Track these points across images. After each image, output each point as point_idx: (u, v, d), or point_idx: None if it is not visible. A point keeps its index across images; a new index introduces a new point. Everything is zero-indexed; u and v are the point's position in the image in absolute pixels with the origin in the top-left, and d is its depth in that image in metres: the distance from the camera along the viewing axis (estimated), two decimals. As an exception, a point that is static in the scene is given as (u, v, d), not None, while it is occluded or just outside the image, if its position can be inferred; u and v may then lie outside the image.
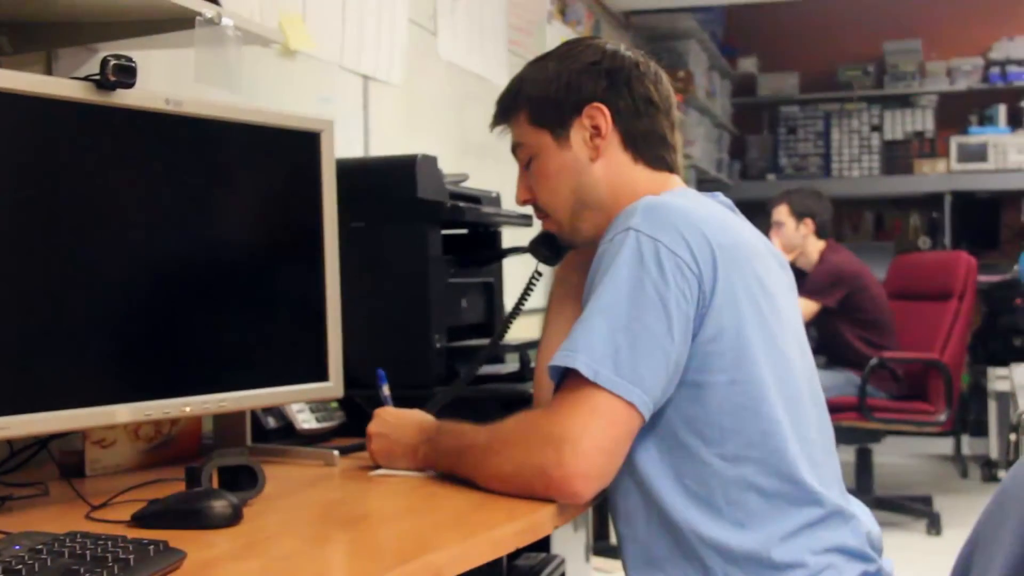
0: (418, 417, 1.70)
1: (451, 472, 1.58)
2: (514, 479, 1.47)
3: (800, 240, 5.12)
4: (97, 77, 1.46)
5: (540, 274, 1.84)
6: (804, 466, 1.50)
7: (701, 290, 1.47)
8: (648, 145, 1.66)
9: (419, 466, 1.64)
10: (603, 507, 3.20)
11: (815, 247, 5.13)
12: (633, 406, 1.42)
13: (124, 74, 1.47)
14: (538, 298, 1.90)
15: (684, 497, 1.49)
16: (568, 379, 1.46)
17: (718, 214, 1.59)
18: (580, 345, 1.44)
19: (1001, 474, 5.66)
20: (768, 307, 1.54)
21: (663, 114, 1.67)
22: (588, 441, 1.41)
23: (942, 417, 4.74)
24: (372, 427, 1.71)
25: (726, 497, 1.47)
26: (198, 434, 1.90)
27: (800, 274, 4.78)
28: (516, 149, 1.72)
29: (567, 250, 1.77)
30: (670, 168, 1.69)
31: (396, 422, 1.70)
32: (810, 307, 4.89)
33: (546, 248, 1.78)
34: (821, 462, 1.56)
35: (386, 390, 1.81)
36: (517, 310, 1.85)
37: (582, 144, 1.65)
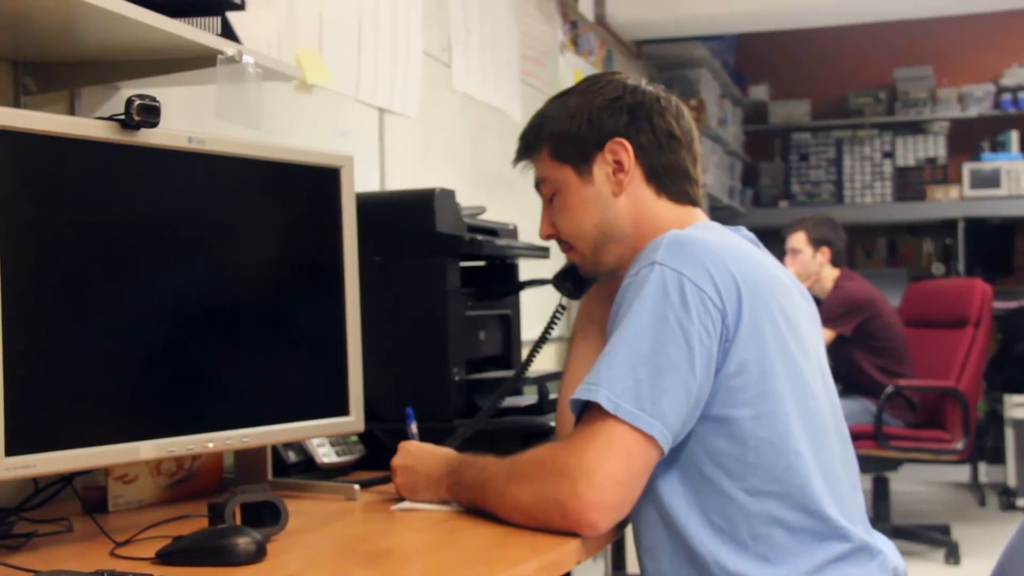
0: (442, 451, 1.70)
1: (474, 505, 1.58)
2: (532, 511, 1.47)
3: (816, 268, 5.13)
4: (122, 117, 1.47)
5: (564, 307, 1.84)
6: (829, 501, 1.50)
7: (725, 324, 1.47)
8: (671, 179, 1.67)
9: (443, 499, 1.64)
10: (621, 539, 3.20)
11: (830, 275, 5.15)
12: (652, 439, 1.42)
13: (148, 114, 1.49)
14: (557, 329, 1.90)
15: (709, 531, 1.48)
16: (588, 412, 1.46)
17: (743, 248, 1.59)
18: (602, 378, 1.44)
19: (1020, 502, 5.63)
20: (793, 341, 1.54)
21: (685, 148, 1.69)
22: (603, 473, 1.41)
23: (959, 445, 4.72)
24: (397, 460, 1.72)
25: (751, 531, 1.47)
26: (219, 469, 1.90)
27: (814, 302, 4.78)
28: (539, 184, 1.72)
29: (590, 284, 1.77)
30: (693, 202, 1.70)
31: (420, 455, 1.70)
32: (825, 335, 4.88)
33: (570, 282, 1.78)
34: (846, 496, 1.55)
35: (414, 428, 1.81)
36: (541, 343, 1.85)
37: (605, 179, 1.65)
